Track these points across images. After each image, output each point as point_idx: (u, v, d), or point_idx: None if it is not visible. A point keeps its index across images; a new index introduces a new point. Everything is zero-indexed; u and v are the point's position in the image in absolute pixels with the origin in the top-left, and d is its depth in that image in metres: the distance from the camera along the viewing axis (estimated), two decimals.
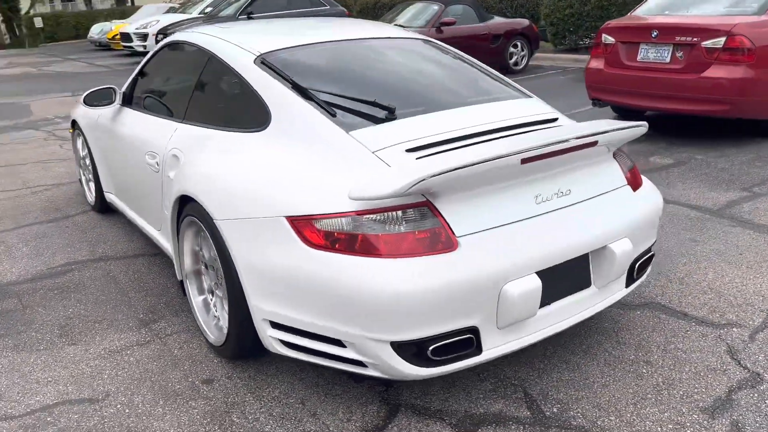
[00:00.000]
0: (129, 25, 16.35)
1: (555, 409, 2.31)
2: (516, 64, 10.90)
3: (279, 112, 2.54)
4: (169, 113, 3.22)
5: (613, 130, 2.34)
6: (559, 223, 2.27)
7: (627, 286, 2.59)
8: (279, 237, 2.18)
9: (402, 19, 10.46)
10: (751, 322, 2.82)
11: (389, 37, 3.21)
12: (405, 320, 2.01)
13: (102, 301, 3.24)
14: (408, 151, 2.28)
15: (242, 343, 2.47)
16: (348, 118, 2.46)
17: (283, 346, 2.29)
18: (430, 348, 2.07)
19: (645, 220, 2.55)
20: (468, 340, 2.12)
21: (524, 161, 2.11)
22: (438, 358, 2.10)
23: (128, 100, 3.75)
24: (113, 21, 21.75)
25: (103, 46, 21.34)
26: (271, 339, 2.30)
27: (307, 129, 2.43)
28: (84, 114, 4.29)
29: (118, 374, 2.62)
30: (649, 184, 2.75)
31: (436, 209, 2.09)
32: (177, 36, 3.47)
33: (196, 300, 2.82)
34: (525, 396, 2.40)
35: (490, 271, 2.07)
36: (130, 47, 15.70)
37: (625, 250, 2.39)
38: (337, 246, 2.07)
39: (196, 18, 13.71)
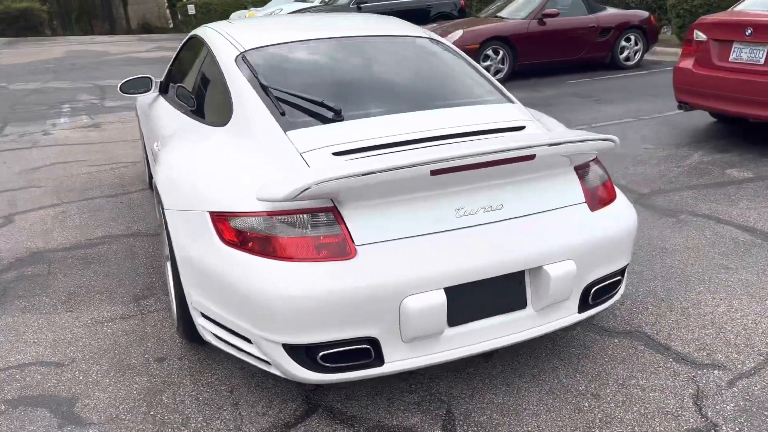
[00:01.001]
0: (257, 12, 17.22)
1: None
2: (628, 59, 10.20)
3: (238, 108, 2.62)
4: (179, 104, 3.41)
5: (566, 143, 2.17)
6: (482, 239, 2.15)
7: (580, 311, 2.40)
8: (203, 231, 2.26)
9: (506, 11, 10.15)
10: (739, 366, 2.51)
11: (389, 36, 3.16)
12: (295, 324, 2.02)
13: (113, 274, 3.53)
14: (335, 154, 2.26)
15: (187, 327, 2.59)
16: (296, 117, 2.48)
17: (210, 336, 2.38)
18: (320, 354, 2.07)
19: (604, 242, 2.35)
20: (365, 351, 2.08)
21: (434, 173, 2.02)
22: (331, 365, 2.09)
23: (164, 89, 4.01)
24: (250, 8, 23.00)
25: None
26: (201, 328, 2.40)
27: (252, 127, 2.49)
28: (140, 100, 4.64)
29: (90, 343, 2.85)
30: (623, 202, 2.52)
31: (340, 215, 2.07)
32: (196, 30, 3.66)
33: (169, 281, 3.00)
34: (446, 414, 2.32)
35: (388, 283, 2.02)
36: None
37: (564, 273, 2.22)
38: (246, 245, 2.11)
39: (316, 7, 14.17)
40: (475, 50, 9.15)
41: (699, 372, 2.48)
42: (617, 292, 2.55)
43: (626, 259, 2.50)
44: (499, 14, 10.19)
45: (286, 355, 2.09)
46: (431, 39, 3.25)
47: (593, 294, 2.41)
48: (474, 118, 2.54)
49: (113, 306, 3.18)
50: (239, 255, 2.11)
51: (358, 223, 2.07)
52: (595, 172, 2.49)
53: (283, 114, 2.49)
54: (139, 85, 3.97)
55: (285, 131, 2.39)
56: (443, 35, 9.48)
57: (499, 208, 2.22)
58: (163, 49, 18.70)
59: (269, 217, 2.10)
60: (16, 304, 3.25)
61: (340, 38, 3.06)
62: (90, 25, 34.52)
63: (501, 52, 9.38)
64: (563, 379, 2.48)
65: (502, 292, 2.22)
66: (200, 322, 2.39)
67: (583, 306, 2.41)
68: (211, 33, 3.29)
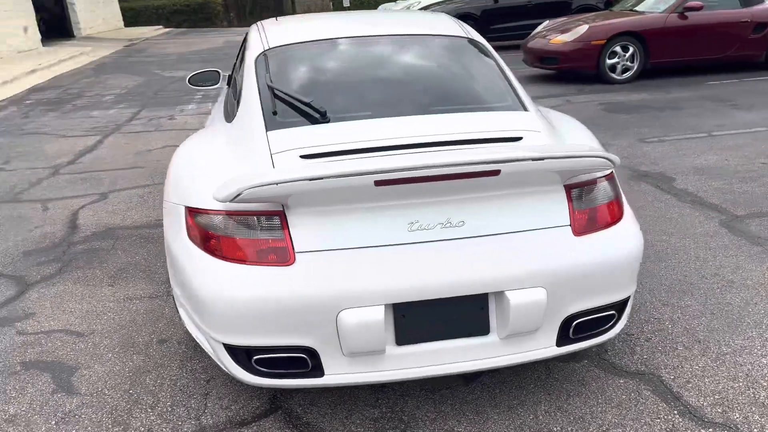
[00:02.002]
0: (394, 5, 17.39)
1: None
2: None
3: (242, 105, 2.66)
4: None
5: (537, 159, 1.96)
6: (438, 256, 2.01)
7: (559, 345, 2.17)
8: (179, 225, 2.33)
9: (645, 4, 9.36)
10: (755, 430, 2.13)
11: (419, 35, 3.05)
12: (233, 325, 2.03)
13: (162, 255, 3.77)
14: (302, 156, 2.22)
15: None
16: (286, 117, 2.47)
17: (186, 325, 2.46)
18: (255, 358, 2.06)
19: (589, 271, 2.10)
20: (301, 360, 2.04)
21: (378, 183, 1.92)
22: (266, 370, 2.08)
23: (229, 83, 4.19)
24: (397, 1, 23.28)
25: None
26: (181, 316, 2.49)
27: (243, 124, 2.52)
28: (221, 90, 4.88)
29: (113, 318, 3.08)
30: (627, 227, 2.24)
31: (286, 221, 2.03)
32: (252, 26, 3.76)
33: None
34: None
35: (323, 294, 1.96)
36: None
37: (530, 301, 2.02)
38: (204, 242, 2.15)
39: (452, 0, 14.03)
40: (600, 47, 8.56)
41: (701, 431, 2.15)
42: (611, 328, 2.27)
43: (624, 291, 2.22)
44: (636, 8, 9.42)
45: (227, 354, 2.11)
46: (469, 39, 3.08)
47: (575, 328, 2.17)
48: (470, 125, 2.37)
49: (147, 285, 3.40)
50: (196, 251, 2.15)
51: (302, 229, 2.02)
52: (599, 191, 2.23)
53: (274, 113, 2.50)
54: (208, 79, 4.18)
55: (268, 130, 2.40)
56: (564, 32, 8.98)
57: (459, 225, 2.06)
58: None
59: (227, 217, 2.11)
60: (73, 274, 3.58)
61: (365, 37, 3.00)
62: (261, 17, 37.05)
63: (631, 49, 8.68)
64: (540, 416, 2.27)
65: (460, 315, 2.07)
66: (180, 310, 2.48)
67: (563, 340, 2.17)
68: (253, 29, 3.37)
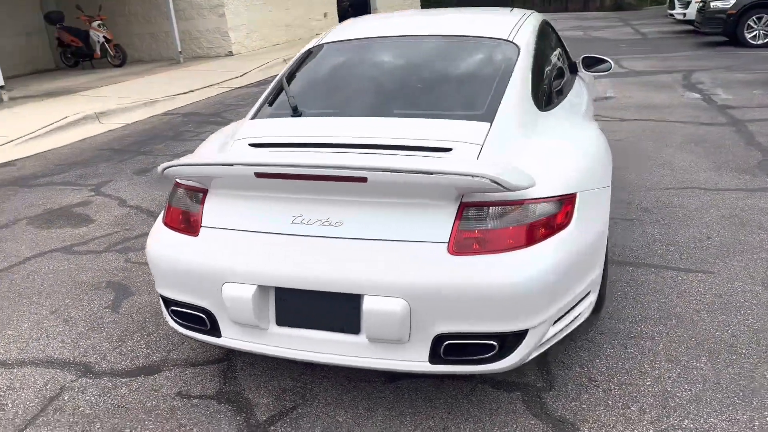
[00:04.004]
0: None
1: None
2: None
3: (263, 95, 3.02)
4: None
5: (401, 172, 1.96)
6: (312, 251, 2.15)
7: (432, 362, 2.13)
8: None
9: None
10: None
11: (453, 36, 3.03)
12: (159, 278, 2.43)
13: None
14: (251, 145, 2.50)
15: None
16: (276, 108, 2.77)
17: None
18: (170, 309, 2.44)
19: (461, 294, 2.02)
20: (201, 318, 2.36)
21: (258, 175, 2.13)
22: (180, 321, 2.44)
23: None
24: None
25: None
26: None
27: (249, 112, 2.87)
28: None
29: None
30: (523, 260, 2.05)
31: (205, 198, 2.35)
32: None
33: None
34: (273, 405, 2.40)
35: (213, 265, 2.25)
36: (672, 15, 15.19)
37: (386, 310, 2.04)
38: (166, 208, 2.56)
39: None
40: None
41: None
42: (493, 361, 2.11)
43: (509, 324, 2.06)
44: None
45: (162, 304, 2.52)
46: (507, 42, 2.96)
47: (445, 349, 2.10)
48: (412, 132, 2.38)
49: None
50: (159, 216, 2.60)
51: (212, 208, 2.32)
52: (498, 214, 2.09)
53: (270, 104, 2.81)
54: None
55: (251, 119, 2.72)
56: None
57: (337, 224, 2.14)
58: (576, 28, 18.73)
59: (176, 188, 2.51)
60: None
61: (396, 37, 3.09)
62: (566, 3, 36.30)
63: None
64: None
65: (332, 310, 2.17)
66: None
67: (435, 358, 2.12)
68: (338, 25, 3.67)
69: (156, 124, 7.95)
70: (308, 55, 3.19)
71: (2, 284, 3.61)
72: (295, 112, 2.66)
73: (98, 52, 13.58)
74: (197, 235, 2.32)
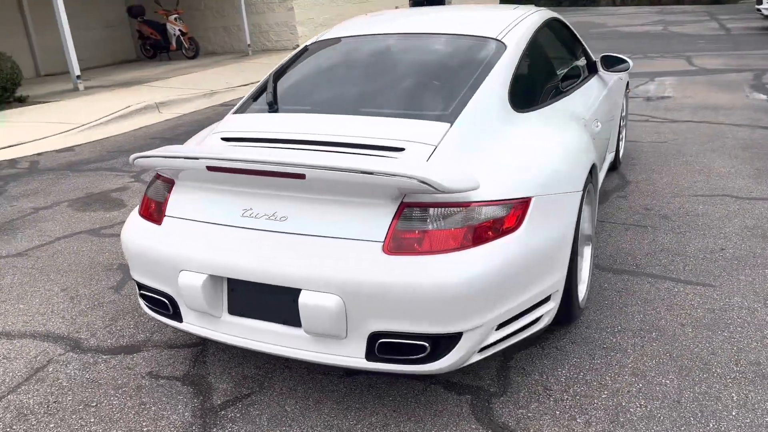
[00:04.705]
0: None
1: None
2: None
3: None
4: None
5: (338, 170, 2.00)
6: (258, 244, 2.21)
7: (368, 359, 2.15)
8: None
9: None
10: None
11: (443, 34, 3.01)
12: (130, 263, 2.56)
13: None
14: (223, 139, 2.59)
15: None
16: (258, 104, 2.85)
17: None
18: (140, 292, 2.57)
19: (392, 292, 2.03)
20: (165, 303, 2.47)
21: (210, 169, 2.21)
22: (148, 305, 2.57)
23: None
24: None
25: None
26: None
27: None
28: None
29: None
30: (456, 262, 2.03)
31: (172, 189, 2.47)
32: None
33: None
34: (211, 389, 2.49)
35: (171, 253, 2.36)
36: (759, 10, 14.27)
37: (321, 305, 2.08)
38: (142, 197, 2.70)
39: None
40: None
41: None
42: (425, 361, 2.10)
43: (441, 326, 2.05)
44: None
45: (137, 288, 2.66)
46: (495, 41, 2.92)
47: (380, 346, 2.11)
48: (369, 130, 2.39)
49: None
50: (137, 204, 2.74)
51: (176, 198, 2.43)
52: (438, 216, 2.08)
53: (254, 99, 2.89)
54: None
55: (232, 113, 2.81)
56: None
57: (282, 219, 2.20)
58: (656, 23, 17.93)
59: (154, 178, 2.63)
60: None
61: (387, 35, 3.10)
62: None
63: None
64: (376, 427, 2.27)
65: (276, 302, 2.23)
66: None
67: (372, 355, 2.14)
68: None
69: (210, 114, 8.27)
70: (303, 51, 3.26)
71: (29, 261, 3.90)
72: (271, 108, 2.73)
73: (174, 44, 14.22)
74: (161, 224, 2.43)
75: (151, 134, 7.37)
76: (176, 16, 14.09)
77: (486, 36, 2.94)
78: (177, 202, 2.42)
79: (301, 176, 2.07)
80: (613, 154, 4.51)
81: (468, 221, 2.10)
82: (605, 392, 2.35)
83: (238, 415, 2.37)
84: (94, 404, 2.47)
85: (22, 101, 9.44)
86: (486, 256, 2.07)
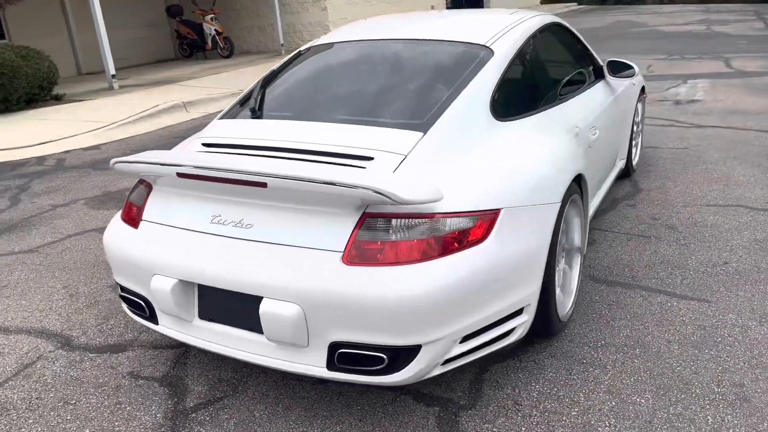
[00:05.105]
0: None
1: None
2: None
3: None
4: None
5: (299, 179, 2.00)
6: (225, 251, 2.23)
7: (329, 369, 2.15)
8: None
9: None
10: None
11: (429, 40, 2.99)
12: (112, 265, 2.62)
13: None
14: (204, 144, 2.63)
15: None
16: (243, 110, 2.87)
17: None
18: (120, 294, 2.62)
19: (351, 303, 2.02)
20: (141, 305, 2.52)
21: (179, 175, 2.24)
22: (129, 307, 2.62)
23: None
24: None
25: None
26: None
27: None
28: None
29: None
30: (415, 274, 2.01)
31: (150, 193, 2.51)
32: None
33: None
34: (178, 389, 2.52)
35: (145, 257, 2.40)
36: None
37: (281, 313, 2.09)
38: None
39: None
40: None
41: None
42: (383, 373, 2.08)
43: (398, 338, 2.03)
44: None
45: (119, 289, 2.72)
46: (483, 46, 2.88)
47: (339, 356, 2.11)
48: (344, 138, 2.39)
49: None
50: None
51: (153, 202, 2.47)
52: (400, 227, 2.06)
53: (241, 105, 2.92)
54: None
55: (218, 118, 2.85)
56: None
57: (248, 227, 2.21)
58: (718, 22, 17.39)
59: (141, 186, 2.68)
60: None
61: (375, 41, 3.10)
62: None
63: None
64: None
65: (242, 309, 2.25)
66: None
67: (332, 365, 2.14)
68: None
69: None
70: (296, 57, 3.28)
71: (38, 258, 4.02)
72: (254, 115, 2.75)
73: (210, 44, 14.47)
74: (137, 228, 2.47)
75: (175, 133, 7.52)
76: (212, 16, 14.34)
77: (474, 42, 2.90)
78: (153, 207, 2.46)
79: (263, 185, 2.08)
80: (624, 161, 4.40)
81: (432, 233, 2.07)
82: (576, 409, 2.30)
83: (208, 418, 2.40)
84: (73, 402, 2.54)
85: (58, 99, 9.75)
86: (448, 268, 2.05)
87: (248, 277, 2.15)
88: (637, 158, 4.95)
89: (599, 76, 3.89)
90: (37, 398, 2.58)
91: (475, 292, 2.11)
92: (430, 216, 2.09)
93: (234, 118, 2.81)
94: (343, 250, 2.07)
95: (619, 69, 3.83)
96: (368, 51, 3.04)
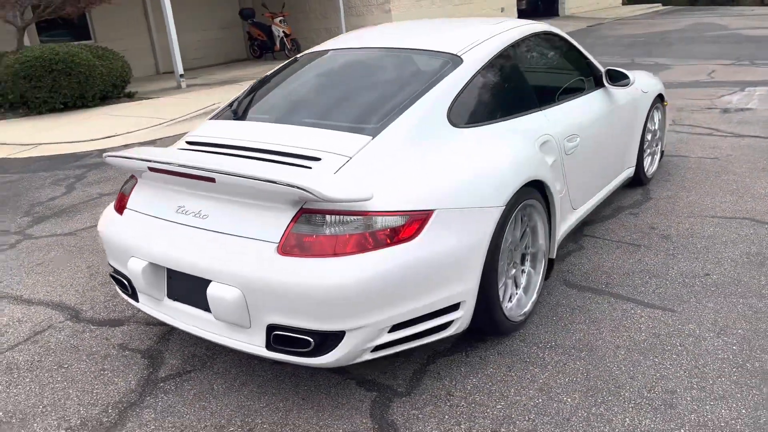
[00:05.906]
0: None
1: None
2: None
3: None
4: None
5: (235, 176, 2.24)
6: (185, 238, 2.50)
7: (268, 349, 2.37)
8: None
9: None
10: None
11: (406, 49, 3.16)
12: (105, 250, 2.95)
13: None
14: (188, 142, 2.91)
15: None
16: (231, 111, 3.15)
17: None
18: (110, 274, 2.94)
19: (283, 290, 2.24)
20: (125, 284, 2.83)
21: (151, 169, 2.53)
22: (117, 286, 2.94)
23: None
24: None
25: None
26: None
27: None
28: None
29: None
30: (340, 267, 2.20)
31: (135, 185, 2.82)
32: None
33: None
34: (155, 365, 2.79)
35: (124, 240, 2.70)
36: None
37: (223, 296, 2.33)
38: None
39: None
40: None
41: None
42: (312, 355, 2.28)
43: (323, 323, 2.22)
44: None
45: (112, 269, 3.05)
46: (452, 54, 3.03)
47: (274, 338, 2.33)
48: (300, 139, 2.61)
49: None
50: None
51: (137, 192, 2.77)
52: (330, 222, 2.25)
53: (230, 107, 3.20)
54: None
55: (209, 119, 3.13)
56: None
57: (204, 217, 2.47)
58: (749, 27, 16.43)
59: (130, 177, 3.00)
60: None
61: (354, 50, 3.30)
62: None
63: None
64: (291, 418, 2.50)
65: (198, 291, 2.51)
66: None
67: (270, 345, 2.36)
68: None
69: None
70: (291, 63, 3.52)
71: (74, 240, 4.47)
72: (236, 116, 3.01)
73: (278, 45, 15.05)
74: (122, 215, 2.79)
75: None
76: (281, 18, 14.91)
77: (446, 51, 3.04)
78: (136, 197, 2.77)
79: (212, 180, 2.32)
80: (632, 168, 4.39)
81: (363, 229, 2.25)
82: (502, 403, 2.42)
83: (173, 387, 2.67)
84: (66, 366, 2.88)
85: (130, 97, 10.49)
86: (373, 261, 2.23)
87: (201, 262, 2.40)
88: (654, 167, 4.90)
89: (599, 84, 3.92)
90: (38, 361, 2.94)
91: (401, 285, 2.27)
92: (363, 213, 2.28)
93: (221, 119, 3.08)
94: (278, 241, 2.29)
95: (617, 78, 3.85)
96: (348, 59, 3.24)
